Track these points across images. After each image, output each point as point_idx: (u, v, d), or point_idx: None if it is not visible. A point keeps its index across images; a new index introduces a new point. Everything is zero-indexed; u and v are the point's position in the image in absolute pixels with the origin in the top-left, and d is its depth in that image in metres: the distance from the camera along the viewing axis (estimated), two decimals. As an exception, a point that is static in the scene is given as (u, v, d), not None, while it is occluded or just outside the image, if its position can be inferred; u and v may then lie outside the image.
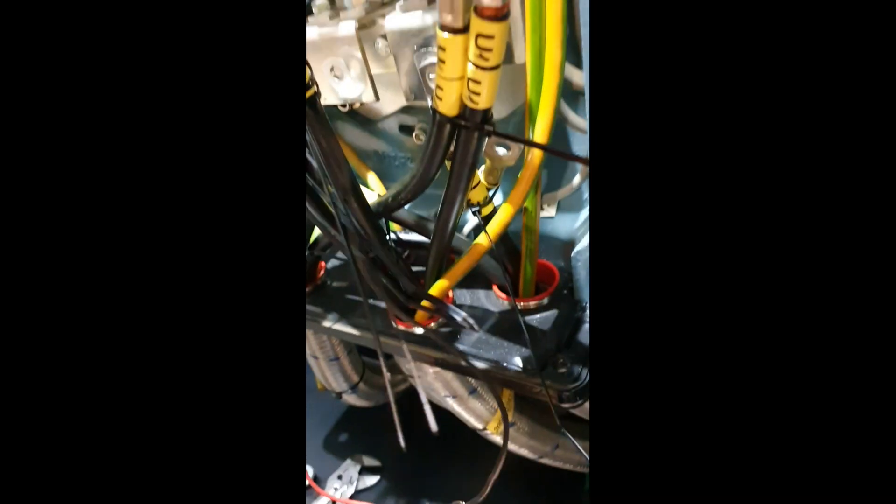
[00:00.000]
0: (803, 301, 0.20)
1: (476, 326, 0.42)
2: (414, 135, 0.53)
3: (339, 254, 0.59)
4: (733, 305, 0.20)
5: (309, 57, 0.42)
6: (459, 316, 0.38)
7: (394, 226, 0.50)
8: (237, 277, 0.23)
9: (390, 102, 0.49)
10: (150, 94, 0.21)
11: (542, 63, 0.32)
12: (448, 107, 0.30)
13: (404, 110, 0.52)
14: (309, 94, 0.31)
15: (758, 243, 0.20)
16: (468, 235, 0.51)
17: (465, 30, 0.26)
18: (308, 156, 0.33)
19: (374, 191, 0.53)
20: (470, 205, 0.40)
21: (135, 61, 0.21)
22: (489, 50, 0.26)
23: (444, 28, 0.26)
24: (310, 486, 0.74)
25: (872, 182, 0.19)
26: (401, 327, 0.46)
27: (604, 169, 0.21)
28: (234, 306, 0.23)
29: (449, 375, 0.53)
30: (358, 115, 0.56)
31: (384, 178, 0.57)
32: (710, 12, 0.19)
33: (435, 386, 0.54)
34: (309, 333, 0.61)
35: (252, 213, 0.23)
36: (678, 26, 0.19)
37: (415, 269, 0.47)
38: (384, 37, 0.41)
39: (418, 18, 0.36)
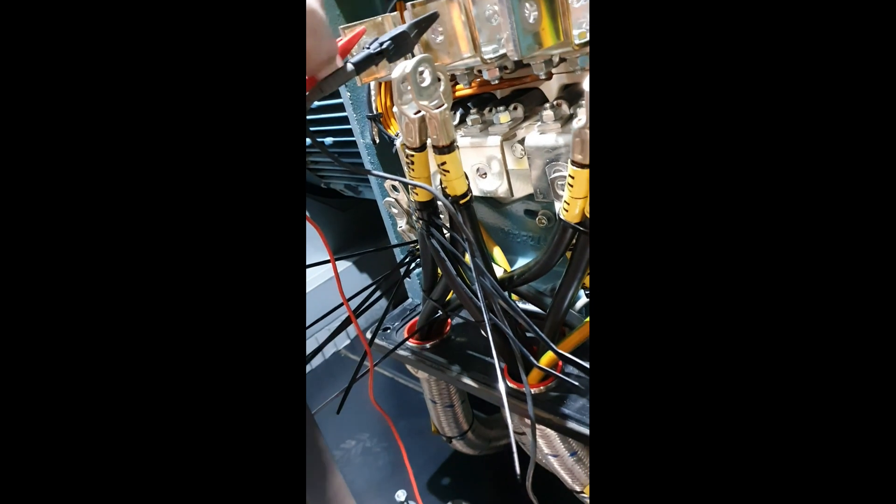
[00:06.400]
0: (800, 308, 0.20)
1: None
2: (537, 219, 0.61)
3: (463, 313, 0.68)
4: (732, 310, 0.21)
5: (462, 159, 0.53)
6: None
7: (513, 296, 0.58)
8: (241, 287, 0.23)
9: (519, 190, 0.58)
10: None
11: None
12: (572, 216, 0.38)
13: (530, 197, 0.61)
14: (464, 200, 0.41)
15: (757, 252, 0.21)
16: (580, 311, 0.57)
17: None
18: (462, 241, 0.43)
19: (499, 264, 0.62)
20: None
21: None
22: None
23: (574, 164, 0.35)
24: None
25: (872, 182, 0.19)
26: (513, 386, 0.53)
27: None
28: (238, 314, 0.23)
29: (552, 435, 0.58)
30: (491, 199, 0.66)
31: (507, 252, 0.66)
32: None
33: (539, 444, 0.59)
34: (432, 380, 0.71)
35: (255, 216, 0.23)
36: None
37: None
38: (521, 142, 0.51)
39: (552, 139, 0.45)
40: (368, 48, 0.36)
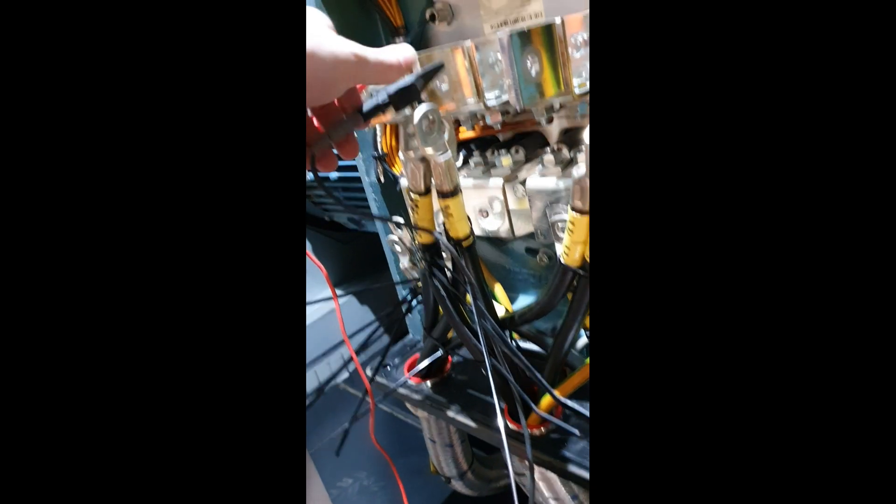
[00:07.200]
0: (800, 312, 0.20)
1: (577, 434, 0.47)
2: (538, 257, 0.62)
3: (463, 351, 0.68)
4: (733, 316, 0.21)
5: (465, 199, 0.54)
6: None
7: (514, 335, 0.58)
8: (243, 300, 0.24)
9: (520, 229, 0.59)
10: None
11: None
12: (572, 260, 0.39)
13: (531, 235, 0.62)
14: (467, 242, 0.42)
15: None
16: (581, 352, 0.57)
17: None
18: (464, 283, 0.43)
19: (500, 302, 0.62)
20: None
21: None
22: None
23: (574, 210, 0.36)
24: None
25: (872, 182, 0.19)
26: (513, 427, 0.53)
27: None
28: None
29: (553, 477, 0.57)
30: (492, 237, 0.67)
31: (508, 289, 0.66)
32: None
33: (539, 486, 0.58)
34: (431, 418, 0.70)
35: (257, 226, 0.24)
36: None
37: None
38: (522, 183, 0.52)
39: (552, 182, 0.46)
40: (377, 98, 0.37)
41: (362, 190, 0.71)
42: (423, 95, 0.42)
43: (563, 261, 0.39)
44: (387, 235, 0.67)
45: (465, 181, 0.54)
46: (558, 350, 0.47)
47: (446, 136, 0.39)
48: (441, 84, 0.42)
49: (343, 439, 0.54)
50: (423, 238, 0.44)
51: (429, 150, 0.37)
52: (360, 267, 1.45)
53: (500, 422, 0.37)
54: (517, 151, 0.53)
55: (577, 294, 0.41)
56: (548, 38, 0.38)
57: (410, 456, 1.01)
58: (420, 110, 0.36)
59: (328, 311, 1.30)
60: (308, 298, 1.39)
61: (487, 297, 0.46)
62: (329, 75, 0.29)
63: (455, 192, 0.41)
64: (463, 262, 0.42)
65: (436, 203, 0.44)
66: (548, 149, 0.49)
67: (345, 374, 1.42)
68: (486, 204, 0.54)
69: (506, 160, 0.52)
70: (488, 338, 0.40)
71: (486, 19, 0.55)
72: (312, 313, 1.30)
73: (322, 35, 0.29)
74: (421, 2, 0.58)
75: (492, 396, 0.42)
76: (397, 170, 0.65)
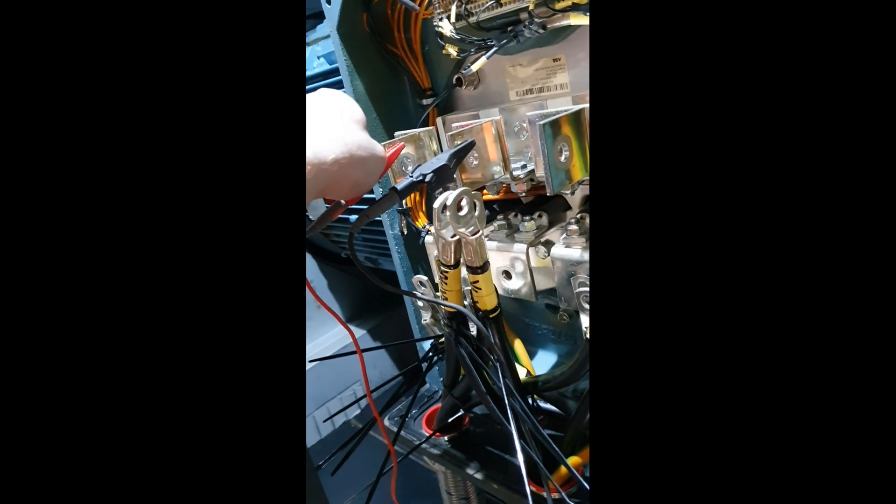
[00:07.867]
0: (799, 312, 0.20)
1: None
2: (559, 315, 0.62)
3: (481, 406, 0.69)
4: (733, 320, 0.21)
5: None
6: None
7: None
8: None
9: (541, 284, 0.59)
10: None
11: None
12: (599, 339, 0.40)
13: (552, 290, 0.63)
14: (494, 314, 0.43)
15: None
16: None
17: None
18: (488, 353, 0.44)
19: (520, 361, 0.63)
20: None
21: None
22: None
23: (602, 293, 0.37)
24: None
25: (872, 182, 0.19)
26: (532, 488, 0.53)
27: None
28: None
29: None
30: (512, 292, 0.68)
31: (527, 343, 0.67)
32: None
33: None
34: (448, 472, 0.70)
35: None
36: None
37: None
38: (545, 244, 0.53)
39: (577, 253, 0.47)
40: (412, 175, 0.39)
41: (382, 233, 0.73)
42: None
43: (588, 337, 0.40)
44: (409, 288, 0.69)
45: (488, 243, 0.55)
46: (580, 418, 0.47)
47: (477, 213, 0.40)
48: (472, 161, 0.43)
49: (370, 495, 0.54)
50: (451, 308, 0.45)
51: (461, 230, 0.39)
52: (373, 301, 1.46)
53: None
54: (540, 216, 0.54)
55: (602, 368, 0.41)
56: (576, 125, 0.39)
57: (422, 499, 1.00)
58: (454, 195, 0.37)
59: (342, 346, 1.32)
60: (321, 333, 1.38)
61: (514, 369, 0.46)
62: (380, 169, 0.35)
63: (484, 267, 0.42)
64: (491, 338, 0.43)
65: (464, 270, 0.45)
66: (570, 217, 0.50)
67: (356, 410, 1.41)
68: (508, 265, 0.55)
69: (529, 226, 0.53)
70: (517, 417, 0.41)
71: (511, 86, 0.57)
72: (327, 349, 1.32)
73: (370, 138, 0.34)
74: (448, 66, 0.61)
75: (509, 454, 0.41)
76: (420, 223, 0.66)
